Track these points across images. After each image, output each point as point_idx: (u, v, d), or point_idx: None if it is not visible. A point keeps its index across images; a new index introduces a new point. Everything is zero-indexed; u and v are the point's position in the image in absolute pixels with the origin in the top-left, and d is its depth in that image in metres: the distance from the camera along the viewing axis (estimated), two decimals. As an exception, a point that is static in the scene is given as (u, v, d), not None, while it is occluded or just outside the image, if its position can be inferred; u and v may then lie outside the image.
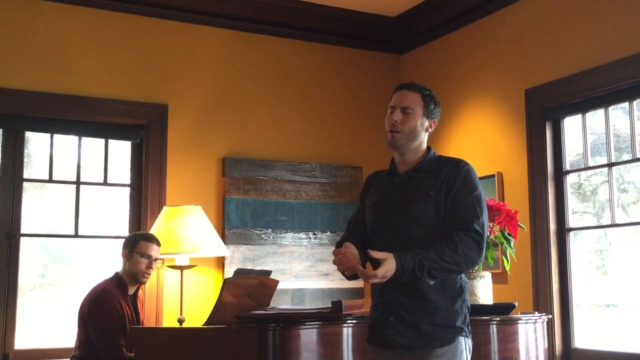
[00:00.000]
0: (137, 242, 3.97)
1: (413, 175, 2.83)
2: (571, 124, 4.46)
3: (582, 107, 4.32)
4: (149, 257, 3.97)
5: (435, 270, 2.58)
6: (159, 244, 4.07)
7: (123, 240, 4.08)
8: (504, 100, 4.79)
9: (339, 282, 5.11)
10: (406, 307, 2.70)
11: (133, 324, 3.89)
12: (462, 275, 2.76)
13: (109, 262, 4.20)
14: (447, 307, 2.69)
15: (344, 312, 3.03)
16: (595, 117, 4.33)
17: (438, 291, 2.68)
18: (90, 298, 3.82)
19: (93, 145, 4.82)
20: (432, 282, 2.64)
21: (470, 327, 2.75)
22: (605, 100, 4.19)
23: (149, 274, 4.00)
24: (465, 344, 2.70)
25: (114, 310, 3.78)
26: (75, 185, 4.72)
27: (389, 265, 2.55)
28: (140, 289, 4.11)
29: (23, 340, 4.45)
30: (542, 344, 3.50)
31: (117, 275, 3.97)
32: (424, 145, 2.89)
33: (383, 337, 2.75)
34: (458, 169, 2.78)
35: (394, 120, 2.79)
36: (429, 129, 2.88)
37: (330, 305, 3.04)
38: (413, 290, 2.68)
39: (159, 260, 4.08)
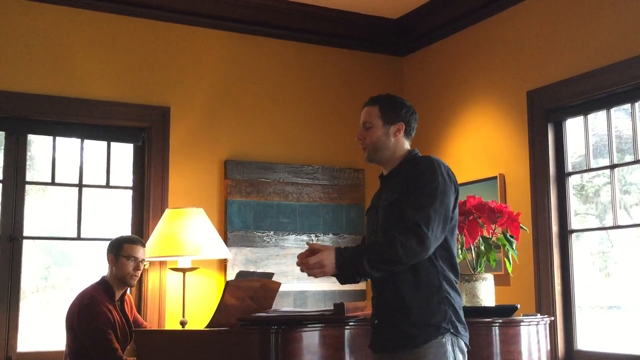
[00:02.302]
0: (122, 246, 3.98)
1: (388, 180, 2.89)
2: (573, 126, 4.46)
3: (584, 108, 4.31)
4: (136, 259, 3.97)
5: (375, 260, 2.57)
6: (143, 245, 4.09)
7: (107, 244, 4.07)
8: (505, 102, 4.78)
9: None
10: (386, 309, 2.73)
11: (123, 328, 3.89)
12: (446, 273, 2.71)
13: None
14: (421, 305, 2.65)
15: (346, 315, 3.03)
16: (597, 118, 4.32)
17: (412, 290, 2.67)
18: (79, 307, 3.80)
19: (95, 147, 4.82)
20: (377, 274, 2.62)
21: (456, 325, 2.68)
22: (607, 101, 4.19)
23: (137, 276, 4.02)
24: (451, 343, 2.65)
25: (104, 317, 3.77)
26: (77, 188, 4.73)
27: (323, 254, 2.60)
28: (127, 293, 4.10)
29: (26, 342, 4.46)
30: (545, 346, 3.50)
31: (103, 280, 3.96)
32: (401, 150, 2.90)
33: (372, 340, 2.79)
34: (417, 167, 2.78)
35: (357, 138, 2.92)
36: (398, 133, 2.89)
37: (332, 308, 3.04)
38: (390, 291, 2.70)
39: (145, 262, 4.08)
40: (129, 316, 4.06)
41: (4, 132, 4.56)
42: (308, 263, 2.61)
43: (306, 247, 2.77)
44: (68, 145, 4.76)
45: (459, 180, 5.06)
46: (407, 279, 2.66)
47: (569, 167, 4.44)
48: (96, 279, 4.01)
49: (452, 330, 2.65)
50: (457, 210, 2.79)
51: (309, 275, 2.65)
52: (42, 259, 4.86)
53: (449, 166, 2.81)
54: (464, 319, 2.75)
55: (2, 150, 4.56)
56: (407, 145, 2.92)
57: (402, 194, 2.73)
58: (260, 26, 5.24)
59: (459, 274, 2.80)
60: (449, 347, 2.64)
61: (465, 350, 2.73)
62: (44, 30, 4.62)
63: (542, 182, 4.44)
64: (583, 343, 4.28)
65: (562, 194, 4.42)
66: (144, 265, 4.08)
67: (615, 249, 4.32)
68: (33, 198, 4.71)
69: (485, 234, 3.57)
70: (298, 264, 2.69)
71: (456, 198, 2.78)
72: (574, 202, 4.43)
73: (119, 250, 3.96)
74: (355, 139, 2.94)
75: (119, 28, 4.82)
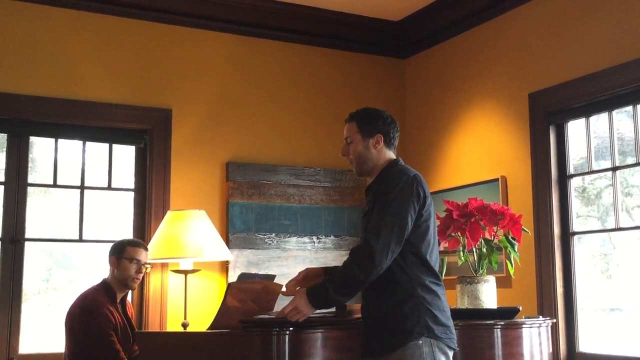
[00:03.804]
0: (125, 248, 3.97)
1: (367, 193, 3.02)
2: (575, 128, 4.45)
3: (586, 110, 4.31)
4: (138, 261, 3.96)
5: (339, 287, 2.72)
6: (146, 248, 4.08)
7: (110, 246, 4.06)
8: (507, 104, 4.78)
9: (342, 286, 5.10)
10: (368, 317, 2.87)
11: (125, 330, 3.88)
12: (421, 279, 2.80)
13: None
14: (394, 311, 2.77)
15: (348, 317, 3.03)
16: (599, 120, 4.32)
17: (388, 298, 2.79)
18: (80, 309, 3.79)
19: (97, 150, 4.83)
20: (349, 297, 2.76)
21: (433, 328, 2.76)
22: (609, 104, 4.18)
23: (139, 279, 4.00)
24: (429, 345, 2.74)
25: (106, 319, 3.76)
26: (79, 190, 4.73)
27: (296, 301, 2.77)
28: (127, 296, 4.09)
29: (27, 344, 4.46)
30: (547, 348, 3.50)
31: (104, 282, 3.95)
32: (383, 160, 3.02)
33: (361, 346, 2.91)
34: (382, 182, 2.90)
35: (342, 154, 3.09)
36: (378, 145, 3.01)
37: (334, 310, 3.04)
38: (370, 300, 2.85)
39: (147, 265, 4.07)
40: (132, 319, 4.05)
41: (6, 134, 4.57)
42: (284, 313, 2.77)
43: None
44: (70, 147, 4.77)
45: (461, 183, 5.12)
46: (383, 288, 2.80)
47: (571, 170, 4.44)
48: (97, 281, 4.00)
49: (426, 334, 2.75)
50: (426, 217, 2.86)
51: (292, 320, 2.80)
52: (43, 261, 4.86)
53: (417, 175, 2.90)
54: (447, 322, 2.84)
55: (4, 152, 4.56)
56: (389, 154, 3.03)
57: (370, 208, 2.88)
58: (261, 28, 5.24)
59: (438, 276, 2.88)
60: (426, 349, 2.74)
61: (450, 352, 2.82)
62: (46, 32, 4.63)
63: (543, 184, 4.44)
64: (585, 345, 4.27)
65: (563, 196, 4.42)
66: (146, 268, 4.07)
67: (617, 251, 4.32)
68: (35, 200, 4.71)
69: (487, 236, 3.57)
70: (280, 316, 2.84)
71: (422, 206, 2.84)
72: (575, 204, 4.43)
73: (122, 252, 3.95)
74: (340, 155, 3.09)
75: (120, 30, 4.83)
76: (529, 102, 4.59)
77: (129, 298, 4.18)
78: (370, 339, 2.85)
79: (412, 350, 2.72)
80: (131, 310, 4.13)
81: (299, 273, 3.04)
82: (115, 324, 3.81)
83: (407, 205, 2.79)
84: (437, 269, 2.90)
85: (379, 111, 3.06)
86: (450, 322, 2.86)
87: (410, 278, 2.79)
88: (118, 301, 3.96)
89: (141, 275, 4.01)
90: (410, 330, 2.74)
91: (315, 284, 2.81)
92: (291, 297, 2.91)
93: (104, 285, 3.93)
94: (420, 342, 2.73)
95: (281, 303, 4.33)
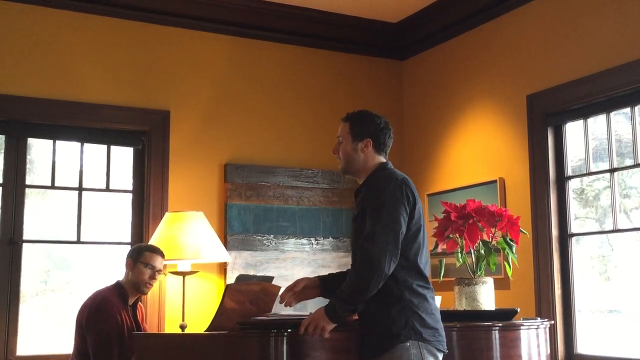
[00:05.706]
0: (142, 253, 3.97)
1: (357, 195, 3.02)
2: (573, 130, 4.46)
3: (584, 112, 4.32)
4: (153, 267, 3.96)
5: (348, 297, 2.75)
6: (163, 256, 4.07)
7: (126, 247, 4.06)
8: (505, 106, 4.79)
9: (341, 288, 5.09)
10: (360, 320, 2.90)
11: (133, 332, 3.87)
12: (409, 282, 2.81)
13: (110, 268, 4.19)
14: (382, 314, 2.80)
15: (346, 318, 3.03)
16: (597, 122, 4.33)
17: (375, 300, 2.80)
18: (90, 306, 3.79)
19: (95, 151, 4.83)
20: (359, 303, 2.80)
21: (421, 332, 2.77)
22: (606, 105, 4.19)
23: (152, 285, 4.00)
24: (417, 347, 2.76)
25: (113, 321, 3.75)
26: (77, 192, 4.73)
27: (314, 317, 2.79)
28: (140, 300, 4.10)
29: (25, 346, 4.45)
30: (545, 350, 3.50)
31: (118, 284, 3.95)
32: (371, 164, 3.01)
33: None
34: (370, 185, 2.91)
35: (332, 152, 3.11)
36: (366, 149, 3.01)
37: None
38: (362, 304, 2.85)
39: (162, 273, 4.08)
40: (141, 323, 4.04)
41: (4, 136, 4.56)
42: (303, 326, 2.78)
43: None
44: (68, 148, 4.76)
45: (459, 184, 5.12)
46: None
47: (569, 171, 4.44)
48: (97, 281, 4.00)
49: (414, 337, 2.77)
50: (417, 220, 2.87)
51: (320, 336, 2.80)
52: (41, 262, 4.86)
53: (406, 179, 2.90)
54: (436, 324, 2.85)
55: (2, 154, 4.56)
56: (379, 159, 3.03)
57: (359, 211, 2.89)
58: (259, 30, 5.24)
59: (427, 279, 2.90)
60: (414, 351, 2.76)
61: (439, 354, 2.84)
62: (44, 33, 4.63)
63: (542, 185, 4.44)
64: (583, 347, 4.27)
65: (562, 197, 4.42)
66: (161, 275, 4.06)
67: (615, 252, 4.32)
68: (33, 201, 4.71)
69: (485, 237, 3.57)
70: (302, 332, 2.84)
71: (412, 209, 2.85)
72: (573, 206, 4.43)
73: (138, 256, 3.96)
74: (331, 152, 3.11)
75: (118, 32, 4.83)
76: (527, 104, 4.59)
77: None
78: (361, 342, 2.87)
79: (400, 353, 2.74)
80: (142, 315, 4.12)
81: (297, 284, 3.02)
82: (122, 325, 3.80)
83: (399, 208, 2.80)
84: (426, 272, 2.91)
85: (373, 116, 3.06)
86: (440, 325, 2.87)
87: (398, 281, 2.80)
88: (130, 304, 3.96)
89: (154, 282, 4.01)
90: (397, 333, 2.75)
91: (331, 300, 2.81)
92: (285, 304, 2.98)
93: (117, 287, 3.93)
94: (408, 344, 2.75)
95: (279, 305, 4.33)
